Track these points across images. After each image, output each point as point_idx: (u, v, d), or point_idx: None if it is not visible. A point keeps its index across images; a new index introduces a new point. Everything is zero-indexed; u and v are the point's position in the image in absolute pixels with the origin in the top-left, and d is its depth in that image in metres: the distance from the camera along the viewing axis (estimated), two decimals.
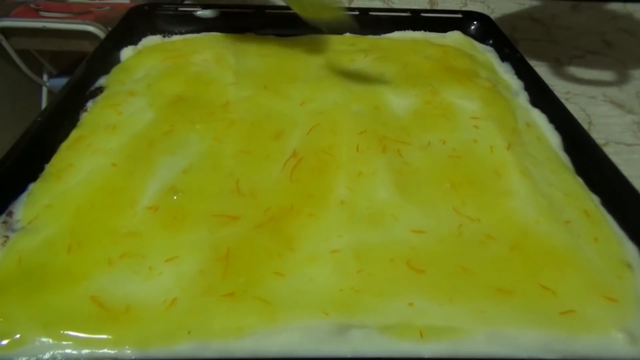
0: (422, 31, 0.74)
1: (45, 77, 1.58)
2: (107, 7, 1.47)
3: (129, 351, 0.32)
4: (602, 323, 0.35)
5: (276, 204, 0.43)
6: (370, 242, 0.40)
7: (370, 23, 0.74)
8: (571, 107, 0.59)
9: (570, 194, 0.45)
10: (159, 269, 0.37)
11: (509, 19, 0.90)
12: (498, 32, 0.72)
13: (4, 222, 0.41)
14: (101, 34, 1.32)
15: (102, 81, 0.60)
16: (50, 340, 0.32)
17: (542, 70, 0.73)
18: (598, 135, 0.60)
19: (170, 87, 0.58)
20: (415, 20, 0.75)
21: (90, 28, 1.34)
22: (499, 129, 0.52)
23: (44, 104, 1.58)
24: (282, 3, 0.74)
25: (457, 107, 0.56)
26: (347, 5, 0.94)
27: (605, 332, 0.34)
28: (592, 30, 0.87)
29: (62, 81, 0.56)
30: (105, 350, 0.32)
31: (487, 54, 0.69)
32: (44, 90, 1.59)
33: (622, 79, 0.72)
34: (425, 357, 0.33)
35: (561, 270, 0.38)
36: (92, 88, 0.58)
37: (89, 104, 0.56)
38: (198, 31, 0.72)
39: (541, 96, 0.58)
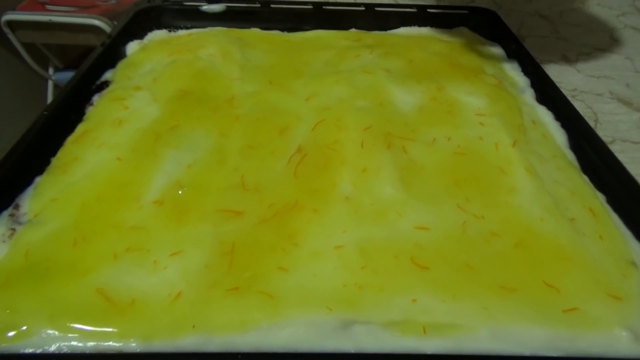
0: (429, 27, 0.74)
1: (51, 70, 1.59)
2: (113, 1, 1.48)
3: (133, 344, 0.32)
4: (606, 321, 0.35)
5: (281, 199, 0.43)
6: (374, 238, 0.40)
7: (376, 18, 0.74)
8: (578, 105, 0.59)
9: (576, 192, 0.45)
10: (164, 263, 0.37)
11: (516, 15, 0.89)
12: (505, 29, 0.71)
13: (11, 215, 0.41)
14: (107, 27, 1.33)
15: (108, 75, 0.60)
16: (56, 332, 0.33)
17: (549, 67, 0.72)
18: (604, 132, 0.59)
19: (176, 81, 0.58)
20: (422, 16, 0.74)
21: (96, 22, 1.34)
22: (504, 126, 0.52)
23: (49, 98, 1.59)
24: None
25: (462, 103, 0.56)
26: (354, 0, 0.94)
27: (609, 330, 0.34)
28: (599, 27, 0.86)
29: (67, 75, 0.57)
30: (111, 342, 0.32)
31: (493, 50, 0.69)
32: (50, 84, 1.60)
33: (629, 76, 0.71)
34: (428, 353, 0.33)
35: (565, 268, 0.38)
36: (98, 82, 0.59)
37: (95, 98, 0.56)
38: (204, 26, 0.72)
39: (547, 93, 0.58)
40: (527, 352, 0.33)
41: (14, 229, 0.40)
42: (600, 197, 0.45)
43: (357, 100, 0.56)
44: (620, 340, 0.34)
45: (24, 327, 0.33)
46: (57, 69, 1.59)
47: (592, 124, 0.60)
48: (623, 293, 0.36)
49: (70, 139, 0.50)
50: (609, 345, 0.34)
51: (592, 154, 0.49)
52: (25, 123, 0.48)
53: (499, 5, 0.93)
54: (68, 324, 0.33)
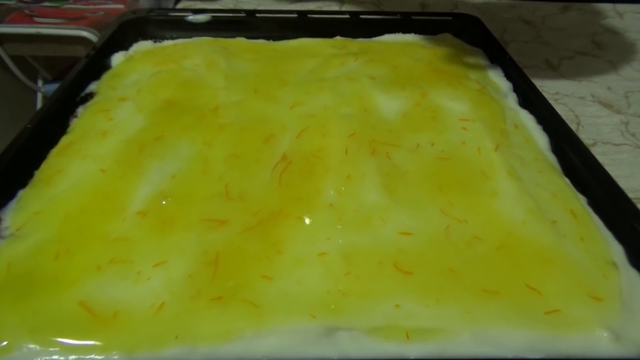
0: (413, 34, 0.74)
1: (40, 82, 1.58)
2: (101, 13, 1.48)
3: (116, 356, 0.32)
4: (587, 322, 0.35)
5: (265, 208, 0.43)
6: (358, 245, 0.40)
7: (361, 26, 0.74)
8: (560, 108, 0.60)
9: (557, 195, 0.45)
10: (148, 274, 0.37)
11: (499, 21, 0.90)
12: (488, 34, 0.72)
13: None
14: (95, 39, 1.33)
15: (92, 87, 0.60)
16: (38, 347, 0.32)
17: (532, 71, 0.73)
18: (586, 135, 0.60)
19: (161, 92, 0.58)
20: (406, 23, 0.75)
21: (85, 33, 1.34)
22: (487, 131, 0.52)
23: None
24: (273, 7, 0.75)
25: (446, 109, 0.56)
26: (338, 8, 0.95)
27: (590, 331, 0.34)
28: (582, 32, 0.87)
29: (56, 87, 0.56)
30: (93, 355, 0.32)
31: (477, 55, 0.70)
32: (39, 96, 1.59)
33: (611, 80, 0.72)
34: (412, 358, 0.33)
35: (547, 270, 0.38)
36: (83, 94, 0.59)
37: (80, 109, 0.56)
38: (189, 36, 0.72)
39: (529, 97, 0.59)
40: (509, 355, 0.33)
41: None
42: (582, 199, 0.46)
43: (342, 107, 0.56)
44: (601, 341, 0.34)
45: (5, 343, 0.32)
46: (46, 81, 1.59)
47: (574, 126, 0.61)
48: (604, 294, 0.37)
49: (54, 151, 0.49)
50: (591, 346, 0.34)
51: (573, 157, 0.50)
52: (15, 136, 0.48)
53: (482, 12, 0.94)
54: (50, 338, 0.33)
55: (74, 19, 1.43)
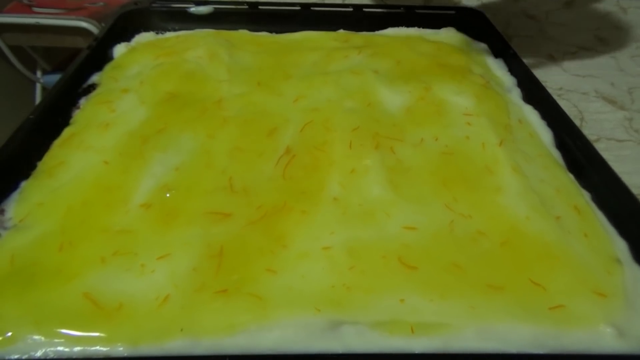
0: (416, 27, 0.74)
1: (39, 73, 1.57)
2: (101, 3, 1.47)
3: (120, 348, 0.32)
4: (591, 318, 0.35)
5: (269, 201, 0.43)
6: (362, 239, 0.40)
7: (364, 19, 0.74)
8: (564, 104, 0.59)
9: (561, 190, 0.45)
10: (152, 267, 0.37)
11: (503, 15, 0.90)
12: (492, 29, 0.72)
13: None
14: (95, 30, 1.32)
15: (94, 78, 0.60)
16: (42, 338, 0.32)
17: (535, 66, 0.73)
18: (590, 131, 0.60)
19: (164, 84, 0.57)
20: (410, 17, 0.75)
21: (84, 24, 1.33)
22: (491, 126, 0.52)
23: (37, 101, 1.57)
24: None
25: (450, 103, 0.56)
26: (342, 1, 0.94)
27: (594, 326, 0.34)
28: (585, 27, 0.87)
29: (56, 77, 0.56)
30: (97, 347, 0.32)
31: (480, 50, 0.69)
32: (38, 87, 1.58)
33: (614, 75, 0.72)
34: (416, 352, 0.33)
35: (551, 266, 0.38)
36: (85, 85, 0.58)
37: (82, 101, 0.56)
38: (191, 28, 0.71)
39: (534, 93, 0.59)
40: (513, 350, 0.33)
41: None
42: (586, 195, 0.46)
43: (345, 101, 0.56)
44: (605, 336, 0.34)
45: (9, 334, 0.32)
46: (45, 72, 1.58)
47: (577, 122, 0.61)
48: (608, 290, 0.37)
49: (56, 142, 0.49)
50: (594, 342, 0.34)
51: (577, 153, 0.50)
52: (14, 127, 0.48)
53: (486, 6, 0.93)
54: (54, 330, 0.33)
55: (74, 9, 1.42)
